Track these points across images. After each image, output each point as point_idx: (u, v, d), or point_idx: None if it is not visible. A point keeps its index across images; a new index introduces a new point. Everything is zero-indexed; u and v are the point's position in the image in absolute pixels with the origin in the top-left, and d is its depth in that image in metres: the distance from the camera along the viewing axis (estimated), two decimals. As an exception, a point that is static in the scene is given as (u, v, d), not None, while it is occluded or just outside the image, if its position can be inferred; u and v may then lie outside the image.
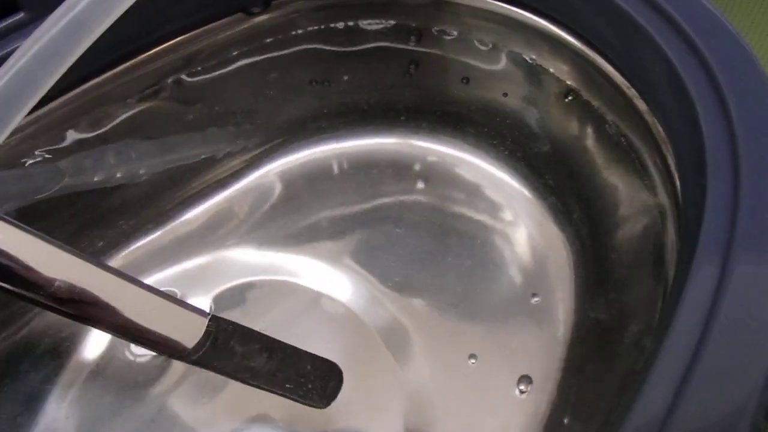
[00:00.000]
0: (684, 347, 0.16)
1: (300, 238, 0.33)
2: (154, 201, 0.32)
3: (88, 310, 0.20)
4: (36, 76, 0.20)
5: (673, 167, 0.23)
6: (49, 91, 0.21)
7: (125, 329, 0.20)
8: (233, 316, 0.23)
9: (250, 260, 0.32)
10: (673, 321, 0.17)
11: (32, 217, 0.27)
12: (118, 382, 0.28)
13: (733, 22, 0.23)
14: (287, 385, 0.23)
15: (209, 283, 0.31)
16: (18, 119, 0.20)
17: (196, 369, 0.22)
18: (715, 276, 0.17)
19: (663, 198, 0.25)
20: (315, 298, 0.31)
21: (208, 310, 0.27)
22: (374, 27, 0.32)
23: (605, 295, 0.28)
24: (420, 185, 0.34)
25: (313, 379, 0.24)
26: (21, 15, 0.24)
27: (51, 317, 0.30)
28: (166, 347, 0.21)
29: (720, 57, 0.21)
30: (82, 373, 0.29)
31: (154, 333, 0.21)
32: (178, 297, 0.30)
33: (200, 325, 0.21)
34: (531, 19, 0.28)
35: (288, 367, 0.23)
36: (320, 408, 0.25)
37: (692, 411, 0.16)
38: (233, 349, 0.22)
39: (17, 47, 0.21)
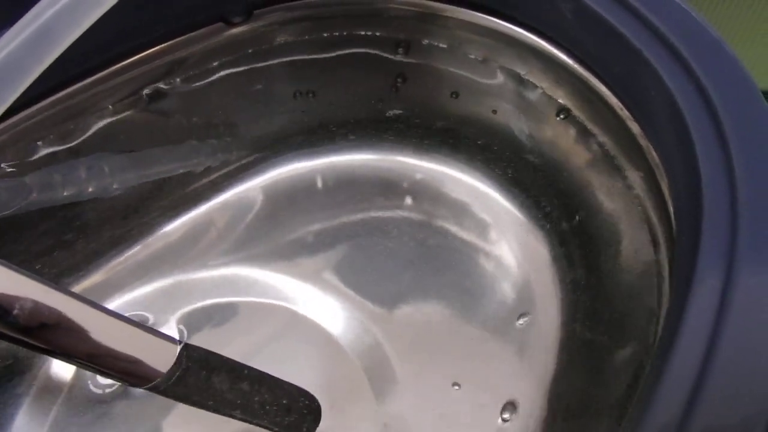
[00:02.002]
0: (688, 372, 0.16)
1: (281, 255, 0.32)
2: (129, 216, 0.31)
3: (50, 338, 0.19)
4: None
5: (666, 192, 0.23)
6: (15, 101, 0.20)
7: (90, 358, 0.19)
8: (207, 337, 0.22)
9: (228, 278, 0.31)
10: (675, 345, 0.16)
11: (-4, 235, 0.26)
12: (82, 414, 0.27)
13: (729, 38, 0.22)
14: (263, 415, 0.22)
15: (183, 301, 0.30)
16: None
17: (166, 399, 0.21)
18: (715, 299, 0.17)
19: (655, 220, 0.24)
20: (294, 320, 0.30)
21: (179, 332, 0.26)
22: (361, 37, 0.31)
23: (595, 316, 0.27)
24: (406, 202, 0.33)
25: (290, 412, 0.23)
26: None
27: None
28: (134, 377, 0.20)
29: (717, 81, 0.21)
30: (44, 404, 0.28)
31: (121, 362, 0.20)
32: (149, 322, 0.29)
33: (171, 354, 0.20)
34: (523, 35, 0.27)
35: (263, 398, 0.22)
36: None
37: None
38: (206, 378, 0.21)
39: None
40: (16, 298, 0.18)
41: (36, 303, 0.18)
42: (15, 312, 0.18)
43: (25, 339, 0.18)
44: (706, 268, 0.17)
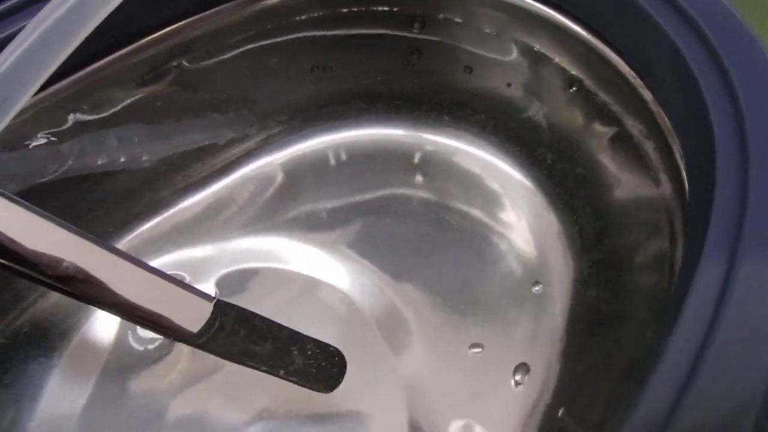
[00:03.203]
0: (690, 344, 0.16)
1: (299, 227, 0.33)
2: (154, 187, 0.32)
3: (95, 292, 0.20)
4: (42, 57, 0.20)
5: (678, 158, 0.23)
6: (52, 72, 0.21)
7: (131, 311, 0.20)
8: (233, 301, 0.23)
9: (249, 247, 0.32)
10: (680, 317, 0.17)
11: (33, 202, 0.27)
12: (121, 370, 0.28)
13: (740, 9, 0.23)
14: (291, 368, 0.23)
15: (209, 269, 0.31)
16: (24, 100, 0.20)
17: (199, 357, 0.22)
18: (722, 271, 0.17)
19: (668, 190, 0.24)
20: (313, 285, 0.31)
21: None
22: (378, 13, 0.32)
23: (606, 285, 0.28)
24: (420, 175, 0.34)
25: (316, 364, 0.24)
26: (25, -6, 0.24)
27: (50, 304, 0.30)
28: (171, 330, 0.21)
29: (729, 46, 0.21)
30: (84, 361, 0.29)
31: (159, 316, 0.21)
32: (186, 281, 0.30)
33: (206, 309, 0.21)
34: (536, 6, 0.28)
35: (292, 352, 0.23)
36: (324, 392, 0.25)
37: (697, 408, 0.15)
38: (238, 333, 0.22)
39: (22, 27, 0.20)
40: (63, 252, 0.19)
41: (80, 258, 0.19)
42: (63, 265, 0.19)
43: (70, 290, 0.19)
44: (714, 247, 0.17)
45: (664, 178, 0.25)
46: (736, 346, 0.16)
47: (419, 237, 0.32)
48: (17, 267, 0.18)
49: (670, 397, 0.16)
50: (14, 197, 0.18)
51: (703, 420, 0.15)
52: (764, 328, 0.16)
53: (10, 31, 0.24)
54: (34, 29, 0.20)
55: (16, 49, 0.20)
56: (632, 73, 0.25)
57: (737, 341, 0.16)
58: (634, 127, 0.26)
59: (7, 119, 0.20)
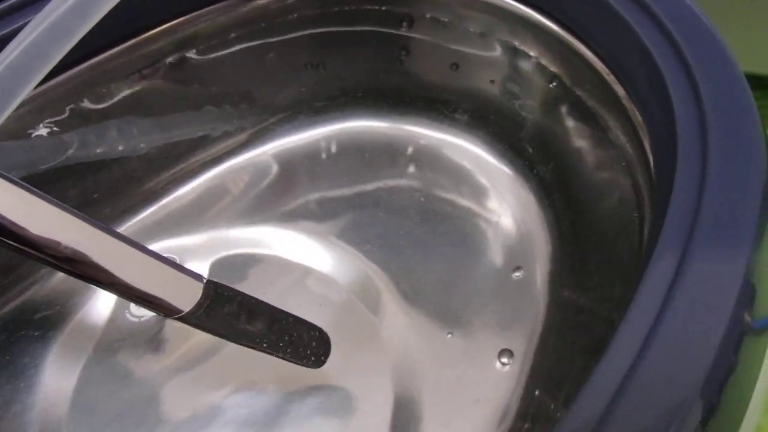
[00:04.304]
0: (642, 325, 0.17)
1: (290, 217, 0.34)
2: (149, 177, 0.33)
3: (91, 271, 0.21)
4: (46, 50, 0.21)
5: (648, 151, 0.25)
6: (55, 65, 0.22)
7: (126, 290, 0.21)
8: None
9: (241, 235, 0.34)
10: (633, 302, 0.17)
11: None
12: (117, 347, 0.30)
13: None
14: (279, 345, 0.24)
15: (201, 255, 0.33)
16: (27, 91, 0.21)
17: (191, 334, 0.24)
18: (675, 257, 0.18)
19: (639, 181, 0.26)
20: (303, 272, 0.32)
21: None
22: (368, 12, 0.33)
23: (583, 273, 0.29)
24: (409, 168, 0.35)
25: (304, 342, 0.25)
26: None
27: (50, 284, 0.31)
28: (164, 308, 0.22)
29: (693, 46, 0.23)
30: (82, 339, 0.30)
31: (152, 295, 0.22)
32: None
33: (197, 289, 0.23)
34: (517, 7, 0.29)
35: (279, 330, 0.24)
36: (313, 368, 0.26)
37: (645, 383, 0.16)
38: (227, 311, 0.23)
39: (27, 21, 0.22)
40: (60, 234, 0.20)
41: (77, 239, 0.20)
42: (62, 246, 0.20)
43: (67, 268, 0.20)
44: (669, 235, 0.18)
45: (635, 169, 0.26)
46: (681, 335, 0.17)
47: (408, 227, 0.33)
48: (16, 245, 0.19)
49: (622, 370, 0.16)
50: (13, 178, 0.19)
51: (654, 389, 0.16)
52: (709, 313, 0.17)
53: (13, 27, 0.25)
54: (37, 25, 0.22)
55: (20, 43, 0.21)
56: (606, 70, 0.26)
57: (681, 331, 0.17)
58: (609, 121, 0.28)
59: (10, 109, 0.22)
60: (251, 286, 0.31)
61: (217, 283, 0.23)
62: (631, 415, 0.16)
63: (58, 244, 0.20)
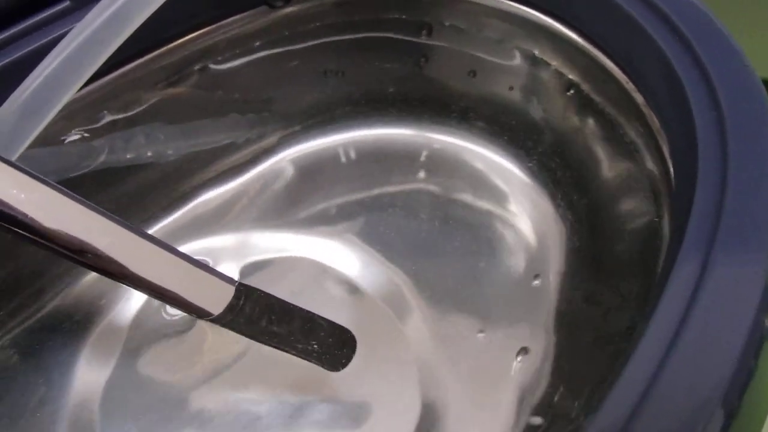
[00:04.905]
0: (665, 333, 0.17)
1: (312, 221, 0.35)
2: (177, 182, 0.34)
3: (122, 273, 0.21)
4: (82, 63, 0.22)
5: (667, 157, 0.25)
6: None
7: (158, 292, 0.22)
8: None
9: (265, 240, 0.34)
10: (657, 308, 0.18)
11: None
12: (148, 348, 0.30)
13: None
14: (307, 347, 0.25)
15: (228, 258, 0.33)
16: (64, 101, 0.22)
17: (222, 336, 0.24)
18: (698, 264, 0.18)
19: (658, 188, 0.26)
20: (324, 273, 0.33)
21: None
22: (388, 20, 0.33)
23: (602, 279, 0.29)
24: (428, 174, 0.36)
25: (330, 343, 0.26)
26: (66, 3, 0.26)
27: (79, 287, 0.32)
28: (195, 310, 0.23)
29: (712, 54, 0.23)
30: (112, 341, 0.31)
31: (183, 298, 0.22)
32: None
33: (228, 292, 0.23)
34: (536, 16, 0.30)
35: (307, 332, 0.25)
36: (335, 371, 0.27)
37: (668, 391, 0.16)
38: (258, 314, 0.24)
39: (63, 33, 0.22)
40: (89, 236, 0.20)
41: (108, 243, 0.21)
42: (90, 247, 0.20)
43: (98, 268, 0.21)
44: (691, 241, 0.19)
45: (655, 176, 0.26)
46: (704, 340, 0.17)
47: (426, 232, 0.34)
48: (45, 242, 0.19)
49: (647, 377, 0.17)
50: (49, 181, 0.19)
51: (677, 394, 0.17)
52: (731, 319, 0.17)
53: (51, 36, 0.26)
54: (73, 39, 0.23)
55: (58, 55, 0.22)
56: (625, 78, 0.27)
57: (705, 336, 0.17)
58: (627, 127, 0.28)
59: (49, 118, 0.22)
60: (277, 288, 0.32)
61: (247, 285, 0.24)
62: (654, 424, 0.16)
63: (87, 244, 0.20)
